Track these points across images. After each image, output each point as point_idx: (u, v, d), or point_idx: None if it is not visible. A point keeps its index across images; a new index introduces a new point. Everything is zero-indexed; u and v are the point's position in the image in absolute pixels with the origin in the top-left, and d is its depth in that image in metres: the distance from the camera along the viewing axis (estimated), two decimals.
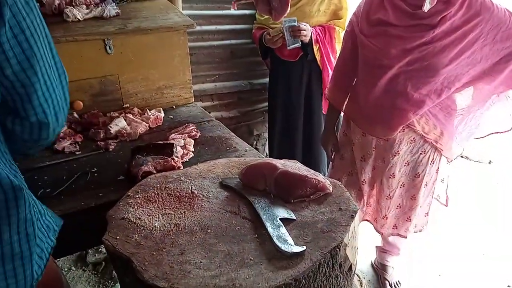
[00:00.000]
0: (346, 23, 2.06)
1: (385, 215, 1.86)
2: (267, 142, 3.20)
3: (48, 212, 0.90)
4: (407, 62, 1.51)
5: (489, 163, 3.72)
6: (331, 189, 1.10)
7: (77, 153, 1.48)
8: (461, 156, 3.78)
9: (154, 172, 1.25)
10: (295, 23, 2.19)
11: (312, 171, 1.17)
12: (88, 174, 1.35)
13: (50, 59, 0.80)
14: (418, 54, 1.48)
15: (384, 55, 1.54)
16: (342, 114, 1.97)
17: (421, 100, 1.55)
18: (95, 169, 1.38)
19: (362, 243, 2.33)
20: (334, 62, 2.25)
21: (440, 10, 1.42)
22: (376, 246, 2.26)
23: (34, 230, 0.79)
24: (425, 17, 1.45)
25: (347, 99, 1.83)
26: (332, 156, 2.00)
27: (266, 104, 2.89)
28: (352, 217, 0.99)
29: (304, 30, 2.20)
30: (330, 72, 2.32)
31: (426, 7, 1.32)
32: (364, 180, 1.84)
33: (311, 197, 1.08)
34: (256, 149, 3.16)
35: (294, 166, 1.17)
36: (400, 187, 1.77)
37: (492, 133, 1.69)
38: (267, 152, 3.19)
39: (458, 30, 1.43)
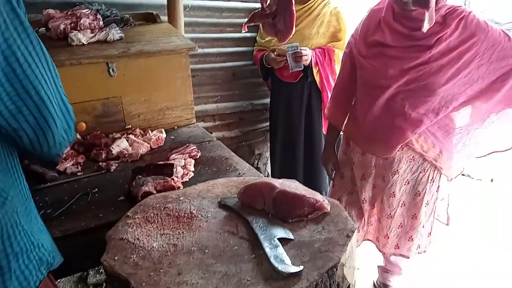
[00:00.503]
0: (345, 45, 2.10)
1: (387, 234, 1.85)
2: (268, 161, 3.22)
3: (46, 245, 0.88)
4: (404, 82, 1.54)
5: (491, 181, 3.70)
6: (329, 209, 1.11)
7: (79, 174, 1.50)
8: (463, 174, 3.77)
9: (154, 192, 1.27)
10: (298, 49, 2.27)
11: (310, 190, 1.18)
12: (89, 195, 1.37)
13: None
14: (415, 74, 1.51)
15: (382, 76, 1.57)
16: (342, 133, 1.98)
17: (419, 119, 1.56)
18: (96, 189, 1.40)
19: (364, 262, 2.34)
20: (333, 83, 2.29)
21: (436, 31, 1.45)
22: (378, 266, 2.24)
23: (8, 263, 0.78)
24: (421, 38, 1.48)
25: (346, 119, 1.85)
26: (333, 175, 2.00)
27: (268, 124, 2.93)
28: (350, 236, 1.00)
29: (306, 55, 2.27)
30: (330, 93, 2.36)
31: (425, 27, 1.35)
32: (364, 199, 1.84)
33: (309, 216, 1.09)
34: (258, 168, 3.17)
35: (292, 186, 1.18)
36: (401, 206, 1.77)
37: (493, 152, 1.69)
38: (269, 172, 3.20)
39: (454, 50, 1.46)
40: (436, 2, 1.38)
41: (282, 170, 2.72)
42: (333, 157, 1.96)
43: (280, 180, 1.20)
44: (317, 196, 1.13)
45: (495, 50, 1.46)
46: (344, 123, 1.87)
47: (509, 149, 1.66)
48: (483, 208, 3.25)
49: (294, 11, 1.46)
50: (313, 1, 2.36)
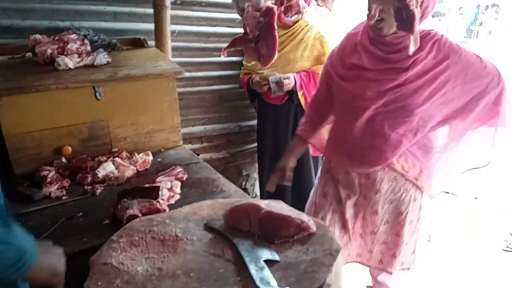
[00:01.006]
0: None
1: (370, 249, 1.86)
2: (256, 182, 3.22)
3: None
4: (382, 103, 1.57)
5: (475, 199, 3.76)
6: (314, 229, 1.11)
7: (63, 197, 1.49)
8: (447, 193, 3.83)
9: (140, 215, 1.26)
10: (280, 79, 2.35)
11: (296, 211, 1.19)
12: (74, 219, 1.35)
13: None
14: (393, 95, 1.55)
15: (361, 97, 1.61)
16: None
17: (398, 140, 1.59)
18: (81, 213, 1.38)
19: (352, 284, 2.32)
20: None
21: (411, 54, 1.50)
22: (366, 286, 2.23)
23: None
24: (397, 61, 1.53)
25: (326, 143, 1.88)
26: (284, 178, 1.87)
27: (255, 145, 2.95)
28: (335, 256, 1.00)
29: (288, 84, 2.35)
30: None
31: (411, 50, 1.40)
32: (347, 217, 1.85)
33: (294, 237, 1.10)
34: (245, 189, 3.17)
35: (278, 207, 1.19)
36: (384, 224, 1.79)
37: (471, 169, 1.72)
38: (257, 192, 3.20)
39: (429, 72, 1.51)
40: None
41: (270, 192, 2.72)
42: (290, 159, 1.86)
43: (266, 201, 1.21)
44: (303, 216, 1.14)
45: (469, 71, 1.51)
46: (325, 147, 1.89)
47: (486, 165, 1.70)
48: (468, 225, 3.29)
49: (277, 36, 1.49)
50: (297, 26, 2.42)
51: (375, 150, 1.63)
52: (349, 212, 1.83)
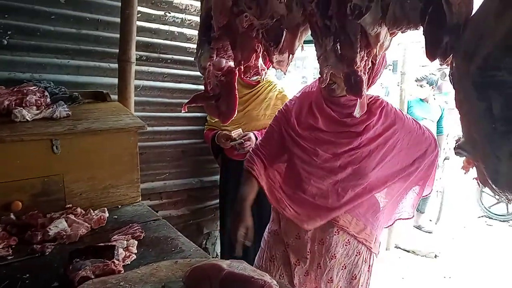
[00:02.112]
0: None
1: None
2: (217, 241, 3.13)
3: None
4: (339, 165, 1.62)
5: (435, 257, 3.84)
6: None
7: (9, 257, 1.37)
8: (407, 251, 3.90)
9: (92, 277, 1.18)
10: (242, 142, 2.43)
11: (259, 271, 1.16)
12: (19, 282, 1.24)
13: None
14: (348, 158, 1.61)
15: (316, 156, 1.64)
16: (271, 214, 1.86)
17: (351, 199, 1.63)
18: (28, 275, 1.27)
19: None
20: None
21: (363, 119, 1.60)
22: None
23: None
24: (351, 125, 1.61)
25: (276, 187, 1.77)
26: (241, 244, 1.63)
27: (217, 201, 2.91)
28: None
29: (249, 145, 2.41)
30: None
31: (357, 113, 1.47)
32: (296, 284, 1.76)
33: None
34: (205, 248, 3.07)
35: (240, 267, 1.15)
36: None
37: (397, 219, 1.83)
38: (218, 252, 3.10)
39: (380, 136, 1.61)
40: None
41: (232, 249, 2.64)
42: (247, 219, 1.62)
43: (228, 261, 1.18)
44: (266, 277, 1.11)
45: (412, 137, 1.64)
46: (276, 190, 1.76)
47: (410, 218, 1.83)
48: (428, 284, 3.33)
49: (237, 95, 1.54)
50: (260, 85, 2.53)
51: (325, 208, 1.64)
52: (297, 279, 1.75)
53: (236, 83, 1.60)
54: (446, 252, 3.93)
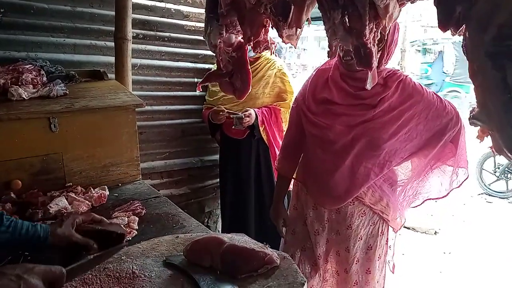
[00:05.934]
0: (290, 104, 2.19)
1: None
2: (219, 219, 3.15)
3: None
4: (352, 137, 1.62)
5: (435, 233, 3.87)
6: (278, 262, 1.09)
7: None
8: (407, 228, 3.93)
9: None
10: (242, 117, 2.40)
11: (260, 244, 1.16)
12: (21, 257, 1.24)
13: None
14: (362, 130, 1.60)
15: (330, 131, 1.65)
16: (291, 188, 2.00)
17: (366, 174, 1.63)
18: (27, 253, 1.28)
19: None
20: (280, 140, 2.36)
21: (379, 92, 1.59)
22: None
23: None
24: (366, 98, 1.60)
25: (296, 169, 1.89)
26: (284, 231, 1.97)
27: (218, 180, 2.91)
28: None
29: (248, 121, 2.39)
30: (277, 150, 2.42)
31: (368, 85, 1.46)
32: (319, 254, 1.82)
33: (258, 271, 1.06)
34: (208, 226, 3.09)
35: (241, 240, 1.15)
36: (356, 263, 1.77)
37: (426, 200, 1.79)
38: (219, 230, 3.12)
39: (395, 109, 1.59)
40: (378, 65, 1.51)
41: (233, 227, 2.67)
42: (282, 212, 1.95)
43: (229, 235, 1.17)
44: (266, 249, 1.11)
45: (430, 110, 1.61)
46: (296, 171, 1.90)
47: (440, 198, 1.77)
48: (428, 259, 3.36)
49: (250, 70, 1.52)
50: (259, 63, 2.49)
51: (344, 183, 1.65)
52: (320, 250, 1.81)
53: (247, 58, 1.59)
54: (446, 229, 3.96)
